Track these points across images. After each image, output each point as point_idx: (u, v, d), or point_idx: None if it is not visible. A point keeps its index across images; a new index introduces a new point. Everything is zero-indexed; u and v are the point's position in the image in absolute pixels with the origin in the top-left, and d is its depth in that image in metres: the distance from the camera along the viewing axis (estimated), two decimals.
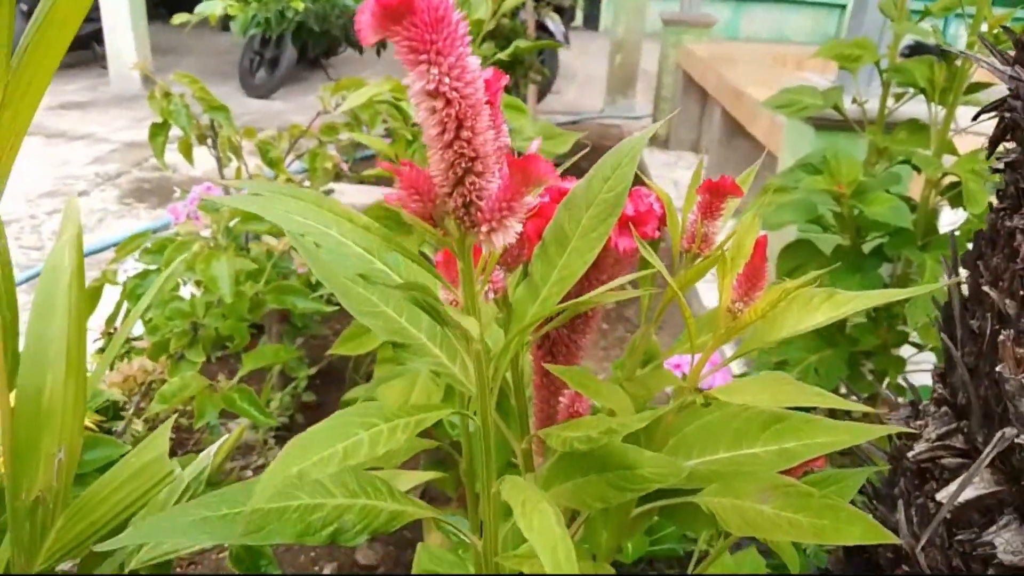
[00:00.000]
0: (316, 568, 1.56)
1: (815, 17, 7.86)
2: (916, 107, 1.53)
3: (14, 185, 3.66)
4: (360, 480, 0.42)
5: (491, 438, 0.40)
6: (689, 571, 0.74)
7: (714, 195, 0.45)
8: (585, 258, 0.40)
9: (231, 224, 1.29)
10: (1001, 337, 0.50)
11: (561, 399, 0.50)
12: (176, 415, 1.45)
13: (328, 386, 2.25)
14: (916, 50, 1.75)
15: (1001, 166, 0.60)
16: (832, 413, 0.72)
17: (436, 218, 0.32)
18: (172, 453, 1.59)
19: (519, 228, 0.32)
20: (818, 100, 1.63)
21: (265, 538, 0.38)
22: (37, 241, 3.20)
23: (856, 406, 0.40)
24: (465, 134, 0.30)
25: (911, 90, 1.50)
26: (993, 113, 0.58)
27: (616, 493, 0.41)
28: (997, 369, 0.50)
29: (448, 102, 0.29)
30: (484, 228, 0.31)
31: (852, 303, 0.42)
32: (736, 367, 2.25)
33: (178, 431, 1.81)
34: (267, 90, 5.33)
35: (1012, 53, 0.58)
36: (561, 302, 0.46)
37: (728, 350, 1.95)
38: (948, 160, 1.43)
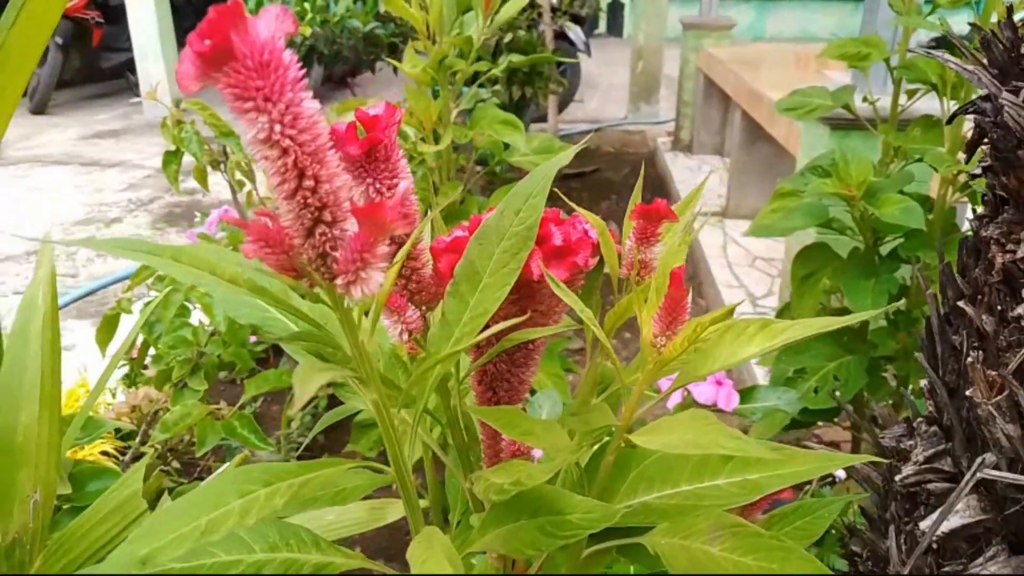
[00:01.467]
0: None
1: (840, 14, 7.71)
2: (929, 104, 1.48)
3: (49, 213, 3.76)
4: (282, 531, 0.41)
5: (408, 486, 0.39)
6: None
7: (648, 220, 0.43)
8: (498, 294, 0.38)
9: None
10: (969, 359, 0.47)
11: (503, 437, 0.48)
12: (189, 440, 1.46)
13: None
14: (941, 44, 1.69)
15: (977, 171, 0.57)
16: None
17: (299, 269, 0.30)
18: (188, 475, 1.60)
19: (380, 278, 0.30)
20: (827, 100, 1.58)
21: None
22: (72, 268, 3.27)
23: (765, 451, 0.37)
24: (308, 183, 0.28)
25: (924, 86, 1.46)
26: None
27: (547, 540, 0.39)
28: (967, 393, 0.47)
29: (284, 151, 0.28)
30: (340, 280, 0.30)
31: (787, 332, 0.39)
32: (760, 375, 2.20)
33: (191, 456, 1.83)
34: None
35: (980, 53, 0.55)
36: (496, 336, 0.44)
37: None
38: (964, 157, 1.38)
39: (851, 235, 1.50)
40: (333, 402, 2.04)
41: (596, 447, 0.51)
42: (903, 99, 1.50)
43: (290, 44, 1.89)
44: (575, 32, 4.49)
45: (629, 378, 0.41)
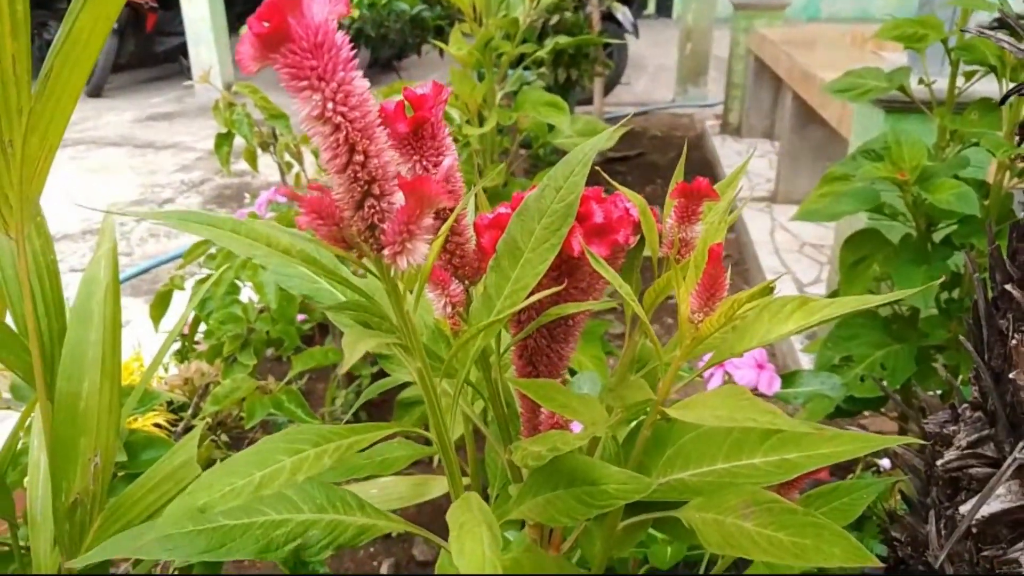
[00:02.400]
0: (374, 564, 1.59)
1: None
2: (988, 86, 1.44)
3: (103, 195, 3.88)
4: (329, 494, 0.43)
5: (449, 454, 0.40)
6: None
7: (690, 199, 0.44)
8: (538, 269, 0.39)
9: None
10: (1014, 342, 0.46)
11: (543, 411, 0.49)
12: (238, 414, 1.51)
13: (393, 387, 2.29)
14: (1003, 25, 1.64)
15: None
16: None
17: (348, 241, 0.32)
18: (236, 448, 1.64)
19: (425, 249, 0.31)
20: (882, 82, 1.55)
21: (225, 555, 0.39)
22: (127, 247, 3.37)
23: (799, 425, 0.38)
24: (358, 157, 0.29)
25: (982, 68, 1.41)
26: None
27: (583, 508, 0.41)
28: (1011, 376, 0.46)
29: (336, 127, 0.29)
30: (388, 251, 0.31)
31: (825, 310, 0.40)
32: (805, 362, 2.17)
33: (241, 430, 1.88)
34: None
35: None
36: (536, 311, 0.45)
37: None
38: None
39: (903, 221, 1.47)
40: (377, 381, 2.08)
41: (633, 424, 0.52)
42: (960, 81, 1.46)
43: (339, 27, 1.92)
44: (623, 13, 4.44)
45: (667, 355, 0.42)
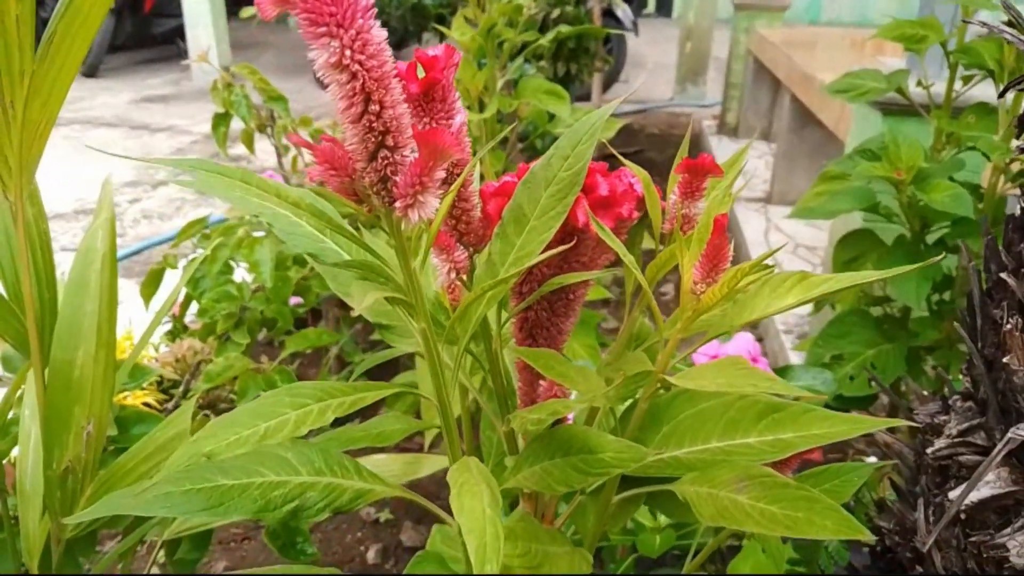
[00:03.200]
0: (361, 549, 1.59)
1: (900, 0, 7.51)
2: (986, 90, 1.45)
3: (97, 174, 3.86)
4: (327, 458, 0.43)
5: (449, 419, 0.40)
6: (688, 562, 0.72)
7: (694, 175, 0.44)
8: (543, 237, 0.39)
9: None
10: (1008, 327, 0.47)
11: (541, 383, 0.49)
12: (230, 392, 1.50)
13: (382, 370, 2.29)
14: (1012, 23, 1.64)
15: None
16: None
17: (359, 193, 0.32)
18: None
19: (436, 204, 0.31)
20: (881, 84, 1.55)
21: (224, 514, 0.39)
22: (119, 228, 3.36)
23: (799, 391, 0.38)
24: (373, 107, 0.29)
25: (980, 72, 1.42)
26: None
27: (579, 476, 0.41)
28: (1004, 360, 0.47)
29: (352, 75, 0.29)
30: (399, 204, 0.31)
31: (824, 285, 0.40)
32: (795, 360, 2.18)
33: (231, 409, 1.88)
34: None
35: None
36: (538, 282, 0.45)
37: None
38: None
39: (897, 222, 1.48)
40: (367, 369, 2.08)
41: (629, 403, 0.52)
42: (958, 85, 1.47)
43: None
44: (623, 10, 4.45)
45: (667, 330, 0.42)
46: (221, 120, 1.88)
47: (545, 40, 1.33)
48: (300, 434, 0.32)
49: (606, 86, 4.51)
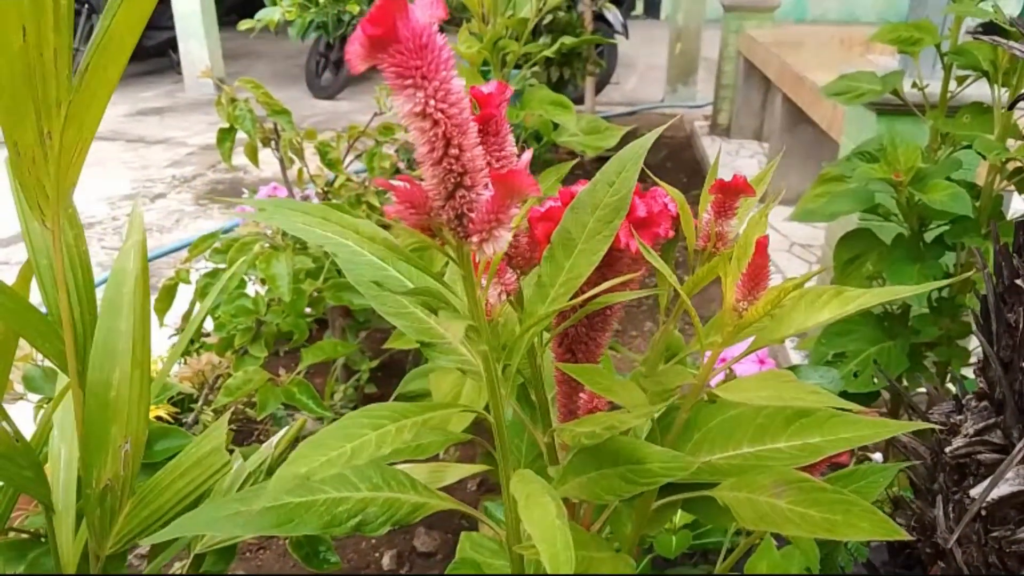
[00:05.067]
0: (376, 555, 1.61)
1: None
2: (980, 90, 1.48)
3: (96, 189, 3.86)
4: (384, 474, 0.45)
5: (503, 434, 0.42)
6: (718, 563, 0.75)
7: (727, 194, 0.46)
8: (591, 259, 0.41)
9: None
10: None
11: (581, 395, 0.51)
12: (243, 406, 1.52)
13: (389, 378, 2.31)
14: (989, 29, 1.68)
15: None
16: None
17: (433, 229, 0.34)
18: (238, 443, 1.66)
19: (509, 238, 0.33)
20: (876, 85, 1.58)
21: (293, 529, 0.41)
22: (119, 242, 3.36)
23: (853, 406, 0.40)
24: (453, 151, 0.32)
25: (974, 73, 1.45)
26: None
27: (627, 486, 0.43)
28: (1022, 364, 0.49)
29: (435, 123, 0.31)
30: (475, 238, 0.33)
31: (859, 300, 0.42)
32: (796, 358, 2.21)
33: (246, 422, 1.89)
34: (333, 91, 5.48)
35: None
36: (576, 300, 0.48)
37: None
38: (1014, 145, 1.37)
39: (896, 221, 1.51)
40: (373, 377, 2.10)
41: (659, 411, 0.54)
42: (952, 85, 1.50)
43: (338, 23, 1.91)
44: (613, 13, 4.48)
45: (707, 340, 0.44)
46: (226, 134, 1.89)
47: (550, 51, 1.36)
48: (383, 454, 0.34)
49: (598, 89, 4.54)
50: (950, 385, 1.48)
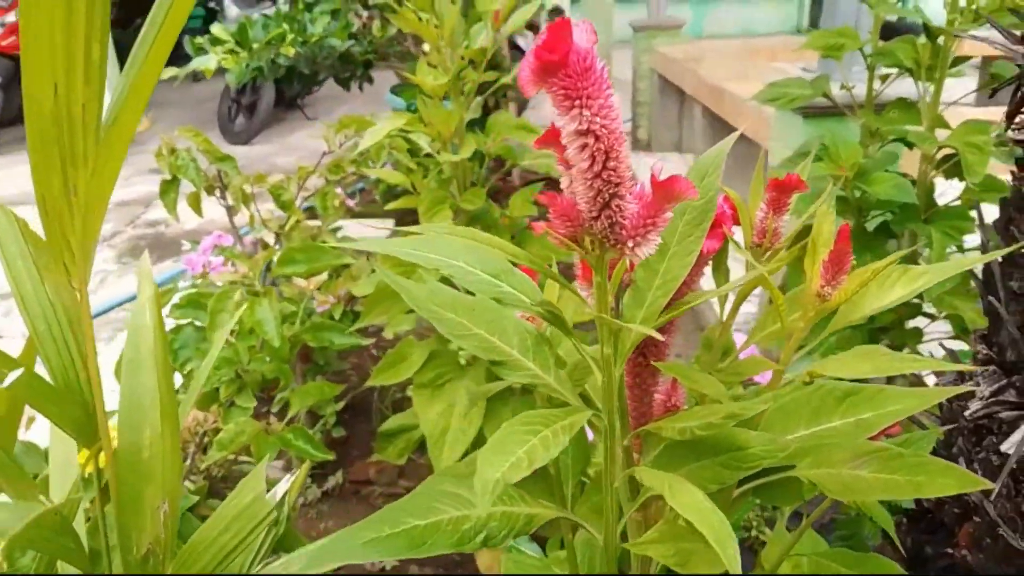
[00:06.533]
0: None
1: (776, 7, 8.01)
2: (902, 86, 1.60)
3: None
4: None
5: (616, 436, 0.44)
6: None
7: (781, 191, 0.50)
8: (685, 261, 0.44)
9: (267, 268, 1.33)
10: None
11: (656, 395, 0.54)
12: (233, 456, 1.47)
13: (355, 420, 2.28)
14: (887, 29, 1.81)
15: (1021, 137, 0.65)
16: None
17: (578, 239, 0.36)
18: (219, 495, 1.60)
19: (659, 240, 0.36)
20: (807, 90, 1.68)
21: (427, 551, 0.42)
22: None
23: (951, 366, 0.44)
24: (612, 164, 0.34)
25: (895, 70, 1.57)
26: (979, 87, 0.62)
27: (730, 473, 0.45)
28: None
29: (598, 138, 0.33)
30: (630, 244, 0.35)
31: (925, 277, 0.46)
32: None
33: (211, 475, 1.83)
34: (248, 136, 5.40)
35: (1019, 33, 0.63)
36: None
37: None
38: (941, 135, 1.49)
39: (839, 214, 1.60)
40: (338, 420, 2.06)
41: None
42: (876, 84, 1.61)
43: (273, 66, 1.89)
44: (527, 39, 4.58)
45: (790, 323, 0.47)
46: (170, 186, 1.85)
47: (507, 78, 1.39)
48: (552, 456, 0.36)
49: (519, 112, 4.63)
50: None
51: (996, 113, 1.64)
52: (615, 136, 0.34)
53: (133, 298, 2.44)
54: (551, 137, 0.38)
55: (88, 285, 0.66)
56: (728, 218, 0.50)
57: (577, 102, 0.33)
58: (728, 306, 0.55)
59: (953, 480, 0.47)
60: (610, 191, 0.35)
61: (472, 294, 0.49)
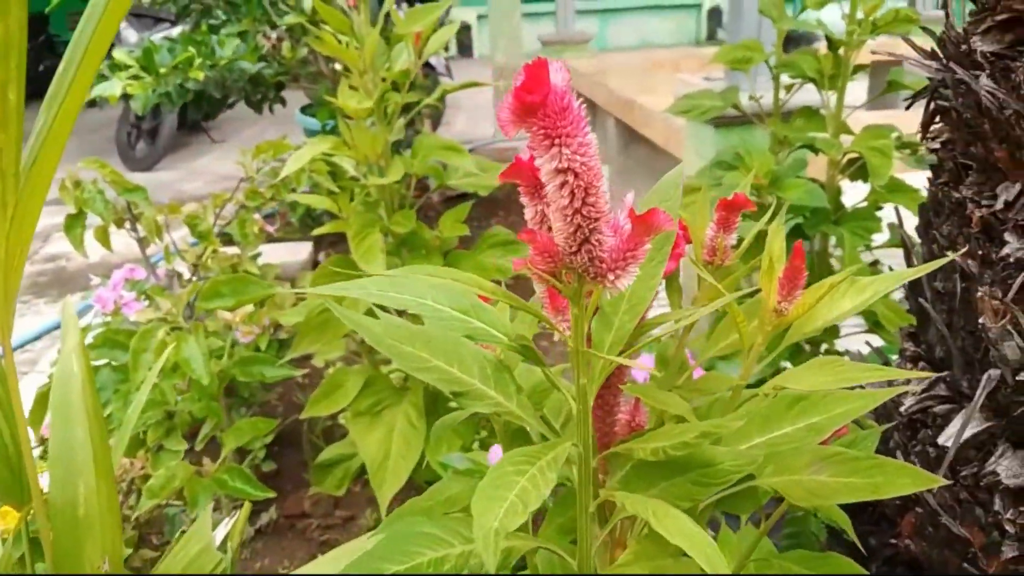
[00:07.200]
0: None
1: (676, 19, 8.29)
2: (807, 95, 1.67)
3: None
4: (468, 526, 0.45)
5: (590, 464, 0.44)
6: None
7: (730, 211, 0.51)
8: (650, 284, 0.45)
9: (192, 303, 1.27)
10: (979, 293, 0.58)
11: (620, 415, 0.54)
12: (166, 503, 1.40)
13: (285, 452, 2.21)
14: (788, 41, 1.89)
15: (936, 146, 0.69)
16: None
17: (556, 274, 0.36)
18: (146, 543, 1.52)
19: (637, 271, 0.36)
20: (718, 102, 1.74)
21: None
22: None
23: (914, 374, 0.46)
24: (591, 199, 0.34)
25: (799, 80, 1.64)
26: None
27: (701, 490, 0.46)
28: (980, 321, 0.58)
29: (577, 175, 0.33)
30: (611, 276, 0.36)
31: (872, 287, 0.48)
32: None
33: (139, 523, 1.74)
34: (151, 162, 5.19)
35: (934, 49, 0.67)
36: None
37: None
38: (845, 140, 1.56)
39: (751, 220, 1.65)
40: (268, 454, 2.00)
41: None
42: (782, 94, 1.68)
43: (182, 91, 1.83)
44: (437, 57, 4.59)
45: (748, 340, 0.49)
46: (75, 220, 1.76)
47: (431, 99, 1.39)
48: (543, 496, 0.35)
49: (433, 129, 4.63)
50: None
51: (891, 116, 1.74)
52: (593, 173, 0.34)
53: (37, 338, 2.31)
54: (516, 170, 0.38)
55: (11, 336, 0.62)
56: (683, 241, 0.51)
57: (556, 141, 0.33)
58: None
59: (909, 479, 0.49)
60: (590, 226, 0.35)
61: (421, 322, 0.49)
